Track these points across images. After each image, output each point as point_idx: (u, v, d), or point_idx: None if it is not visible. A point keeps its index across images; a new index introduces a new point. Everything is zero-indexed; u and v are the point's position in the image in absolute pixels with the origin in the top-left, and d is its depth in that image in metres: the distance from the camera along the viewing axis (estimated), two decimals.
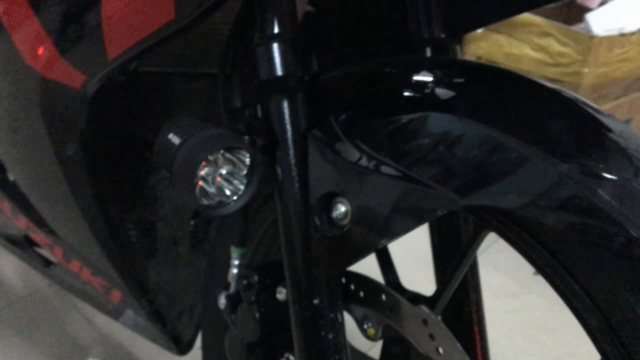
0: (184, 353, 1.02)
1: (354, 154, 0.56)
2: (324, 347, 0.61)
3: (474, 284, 0.76)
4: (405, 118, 0.55)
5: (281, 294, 0.67)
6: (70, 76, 0.67)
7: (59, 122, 0.75)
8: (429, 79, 0.57)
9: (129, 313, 0.99)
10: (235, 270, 0.71)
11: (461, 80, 0.56)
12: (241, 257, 0.71)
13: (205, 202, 0.60)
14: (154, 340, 1.03)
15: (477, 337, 0.77)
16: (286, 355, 0.68)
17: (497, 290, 1.65)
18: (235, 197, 0.61)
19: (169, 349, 1.01)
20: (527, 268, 1.73)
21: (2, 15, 0.72)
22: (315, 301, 0.60)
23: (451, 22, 0.67)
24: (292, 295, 0.61)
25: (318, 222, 0.58)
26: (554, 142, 0.48)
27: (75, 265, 0.96)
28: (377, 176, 0.54)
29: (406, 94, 0.57)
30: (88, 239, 0.89)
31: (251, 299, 0.68)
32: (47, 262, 1.05)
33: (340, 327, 0.62)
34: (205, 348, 0.95)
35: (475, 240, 0.59)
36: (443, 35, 0.74)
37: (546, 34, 1.55)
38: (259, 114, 0.64)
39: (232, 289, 0.72)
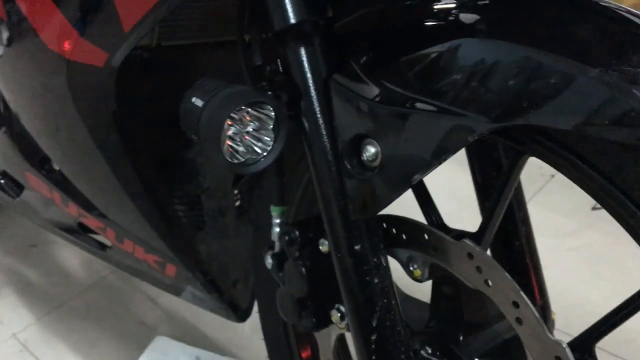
0: (243, 320, 1.04)
1: (377, 93, 0.55)
2: (371, 292, 0.60)
3: (522, 216, 0.74)
4: (425, 50, 0.53)
5: (324, 245, 0.66)
6: (93, 55, 0.68)
7: (91, 105, 0.77)
8: (450, 5, 0.55)
9: (188, 288, 1.02)
10: (277, 229, 0.71)
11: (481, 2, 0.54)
12: (282, 215, 0.71)
13: (235, 161, 0.60)
14: (213, 310, 1.05)
15: (531, 271, 0.76)
16: (337, 306, 0.68)
17: (556, 230, 1.61)
18: (265, 153, 0.61)
19: (227, 317, 1.03)
20: (583, 205, 1.68)
21: (25, 9, 0.73)
22: (357, 247, 0.60)
23: None
24: (332, 244, 0.61)
25: (349, 167, 0.57)
26: (590, 51, 0.46)
27: (128, 245, 0.99)
28: (402, 110, 0.53)
29: (427, 24, 0.56)
30: (136, 218, 0.91)
31: (295, 254, 0.68)
32: (103, 246, 1.09)
33: (385, 271, 0.61)
34: (261, 312, 0.97)
35: (514, 167, 0.58)
36: None
37: None
38: (280, 68, 0.64)
39: (276, 248, 0.72)
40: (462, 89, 0.49)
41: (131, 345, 1.35)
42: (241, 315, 1.04)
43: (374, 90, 0.55)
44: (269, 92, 0.61)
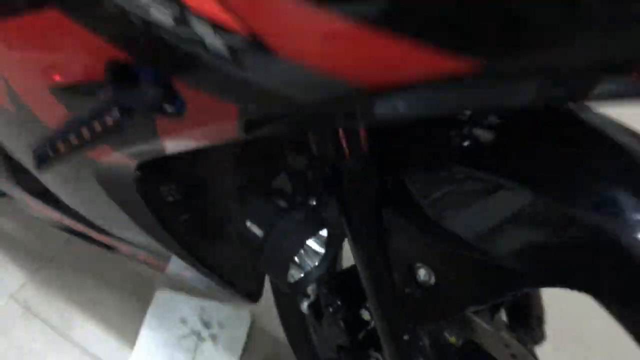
0: (255, 301, 1.11)
1: (433, 227, 0.58)
2: None
3: None
4: (481, 185, 0.54)
5: (366, 315, 0.74)
6: (124, 161, 0.66)
7: (124, 192, 0.75)
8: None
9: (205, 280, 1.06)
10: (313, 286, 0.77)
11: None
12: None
13: (291, 280, 0.64)
14: (222, 299, 1.11)
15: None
16: (375, 355, 0.77)
17: None
18: (315, 263, 0.64)
19: (239, 302, 1.10)
20: None
21: None
22: (405, 337, 0.67)
23: None
24: (385, 341, 0.67)
25: (407, 289, 0.63)
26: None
27: (141, 256, 1.02)
28: (456, 250, 0.57)
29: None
30: (152, 243, 0.93)
31: (336, 318, 0.75)
32: (110, 247, 1.10)
33: (426, 350, 0.70)
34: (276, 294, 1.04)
35: None
36: None
37: None
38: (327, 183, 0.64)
39: (312, 298, 0.79)
40: (513, 240, 0.53)
41: (133, 298, 1.42)
42: (252, 297, 1.11)
43: (427, 223, 0.59)
44: (322, 217, 0.63)
